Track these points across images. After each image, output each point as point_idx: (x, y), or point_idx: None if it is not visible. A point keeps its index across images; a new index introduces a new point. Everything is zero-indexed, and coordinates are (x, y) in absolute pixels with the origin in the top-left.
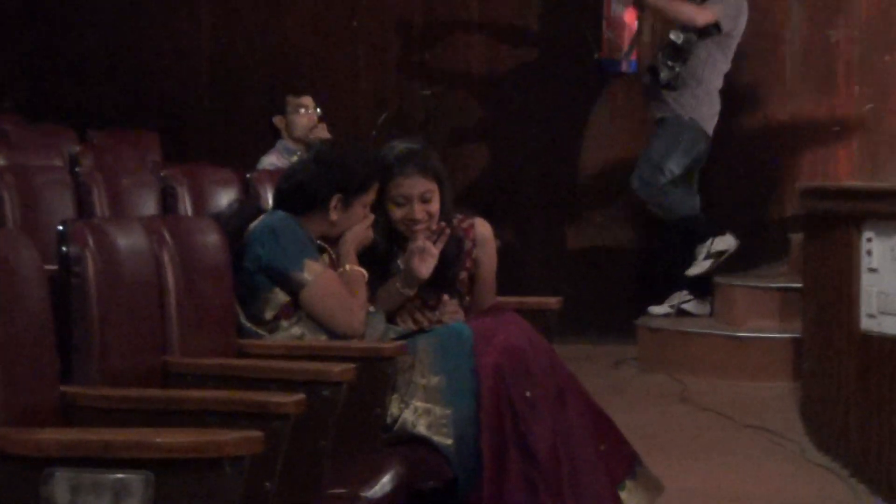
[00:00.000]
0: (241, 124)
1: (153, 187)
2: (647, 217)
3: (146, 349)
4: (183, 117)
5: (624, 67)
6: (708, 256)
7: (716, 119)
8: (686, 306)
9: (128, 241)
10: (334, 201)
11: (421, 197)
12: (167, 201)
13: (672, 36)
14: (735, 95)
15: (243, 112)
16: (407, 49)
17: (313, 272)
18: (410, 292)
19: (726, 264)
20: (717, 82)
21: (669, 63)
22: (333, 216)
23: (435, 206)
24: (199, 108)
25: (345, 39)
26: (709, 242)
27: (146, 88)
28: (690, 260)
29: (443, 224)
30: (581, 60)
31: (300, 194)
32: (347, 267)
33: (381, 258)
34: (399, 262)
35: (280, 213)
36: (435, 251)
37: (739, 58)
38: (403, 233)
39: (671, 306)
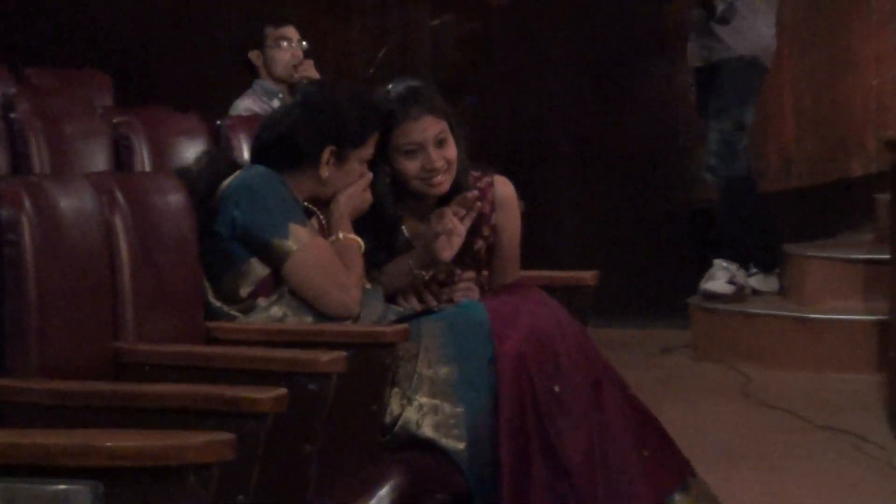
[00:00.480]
0: (210, 61)
1: (104, 137)
2: (705, 180)
3: (94, 334)
4: (139, 53)
5: None
6: (734, 284)
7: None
8: (751, 281)
9: (73, 202)
10: (326, 155)
11: (436, 140)
12: (121, 154)
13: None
14: (808, 29)
15: (212, 46)
16: None
17: (299, 240)
18: (426, 274)
19: (799, 230)
20: (774, 11)
21: None
22: (325, 173)
23: (452, 151)
24: (158, 42)
25: None
26: (750, 272)
27: (94, 19)
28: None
29: (474, 194)
30: None
31: (284, 146)
32: (340, 235)
33: (382, 225)
34: (404, 229)
35: (260, 169)
36: (463, 230)
37: None
38: (419, 189)
39: (731, 282)
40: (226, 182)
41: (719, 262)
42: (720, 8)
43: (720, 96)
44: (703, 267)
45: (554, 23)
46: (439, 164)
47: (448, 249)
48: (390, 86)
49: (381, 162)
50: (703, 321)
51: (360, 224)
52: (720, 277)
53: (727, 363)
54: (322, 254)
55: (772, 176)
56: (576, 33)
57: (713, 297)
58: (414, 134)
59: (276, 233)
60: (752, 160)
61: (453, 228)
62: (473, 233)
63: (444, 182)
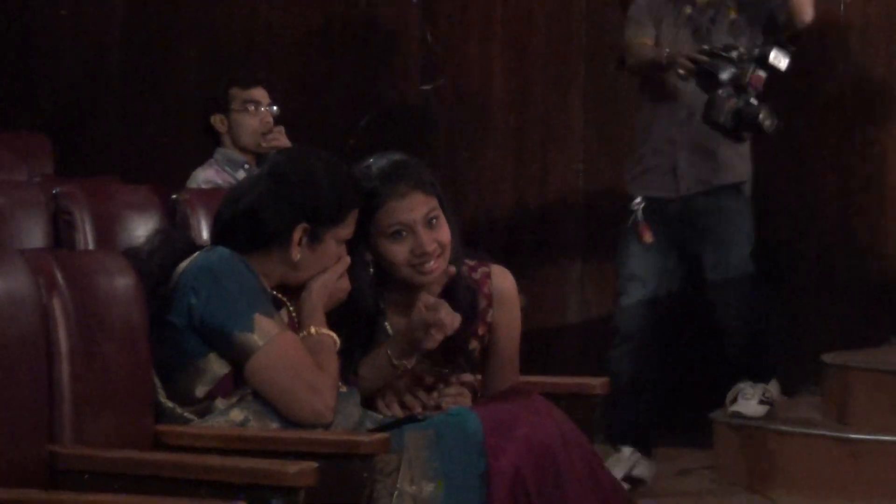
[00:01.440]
0: (165, 125)
1: (41, 210)
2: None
3: (26, 435)
4: (84, 116)
5: None
6: (764, 402)
7: None
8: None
9: (5, 283)
10: (298, 234)
11: (426, 220)
12: (60, 230)
13: (773, 57)
14: (856, 105)
15: (169, 109)
16: (401, 24)
17: (266, 334)
18: (407, 365)
19: (840, 337)
20: None
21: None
22: (296, 255)
23: (445, 232)
24: (105, 102)
25: (314, 10)
26: (768, 385)
27: (32, 74)
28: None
29: (451, 268)
30: None
31: (249, 224)
32: (313, 329)
33: (361, 318)
34: (387, 325)
35: (222, 251)
36: (457, 326)
37: None
38: (408, 278)
39: (764, 400)
40: (182, 265)
41: (750, 387)
42: (769, 123)
43: (720, 225)
44: (730, 377)
45: (563, 79)
46: (431, 247)
47: (433, 340)
48: (371, 160)
49: (362, 247)
50: (728, 440)
51: (336, 317)
52: (751, 397)
53: (755, 489)
54: (291, 351)
55: (809, 272)
56: (588, 98)
57: (745, 419)
58: (401, 214)
59: (239, 325)
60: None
61: (447, 324)
62: (467, 330)
63: (437, 269)
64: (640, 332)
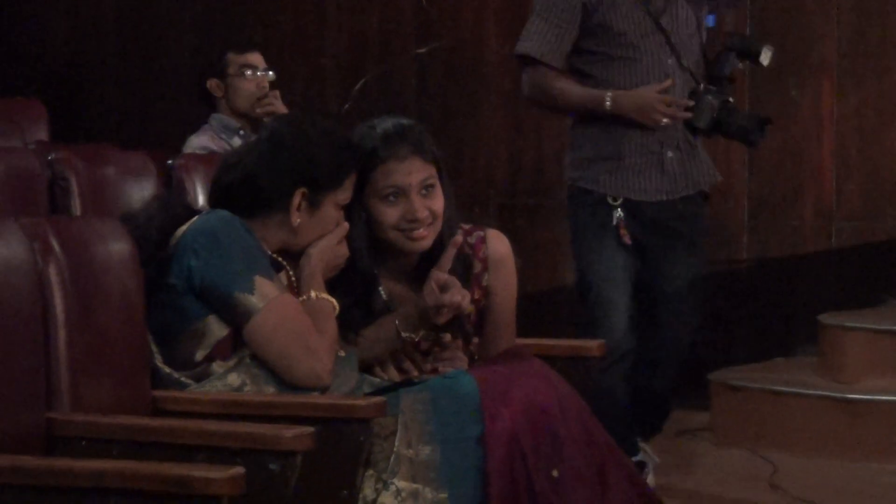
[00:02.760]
0: (160, 91)
1: (37, 175)
2: (731, 230)
3: (23, 402)
4: (79, 81)
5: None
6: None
7: None
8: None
9: (0, 250)
10: (297, 199)
11: (421, 186)
12: (56, 196)
13: (764, 55)
14: (853, 66)
15: (163, 74)
16: None
17: (265, 296)
18: (414, 338)
19: (838, 298)
20: None
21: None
22: (295, 219)
23: (439, 202)
24: (100, 67)
25: None
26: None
27: (26, 40)
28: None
29: (457, 238)
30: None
31: (248, 189)
32: (313, 294)
33: (358, 282)
34: (381, 290)
35: (222, 213)
36: (469, 306)
37: None
38: (395, 242)
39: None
40: (181, 229)
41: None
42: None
43: (682, 262)
44: (726, 337)
45: None
46: (422, 214)
47: (444, 316)
48: (376, 120)
49: (359, 208)
50: (726, 400)
51: (333, 281)
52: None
53: (752, 449)
54: (291, 314)
55: (807, 234)
56: None
57: None
58: (397, 176)
59: (238, 286)
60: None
61: (459, 304)
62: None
63: (426, 236)
64: (632, 346)
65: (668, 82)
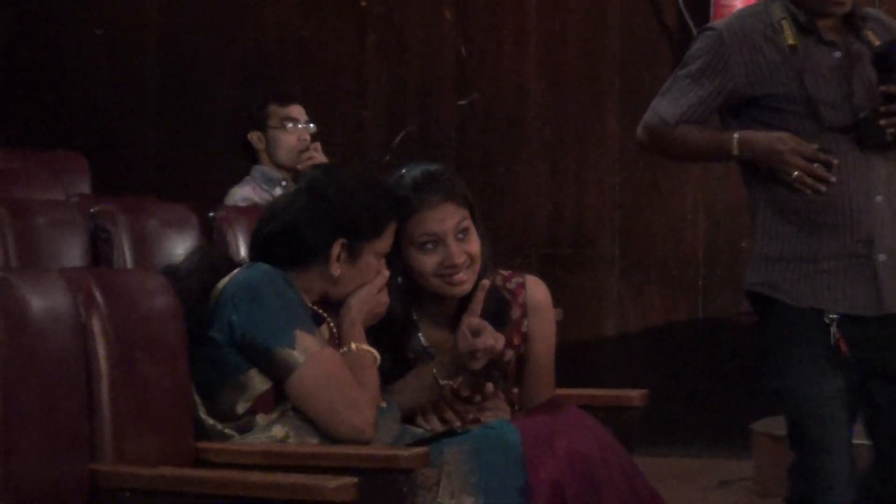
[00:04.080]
0: (202, 143)
1: (79, 229)
2: None
3: (67, 454)
4: (121, 133)
5: None
6: None
7: None
8: None
9: (44, 302)
10: (336, 249)
11: (456, 231)
12: (98, 249)
13: None
14: None
15: (205, 126)
16: (435, 39)
17: (306, 350)
18: (453, 385)
19: None
20: None
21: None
22: (335, 269)
23: (475, 244)
24: (142, 119)
25: (348, 25)
26: None
27: (68, 92)
28: None
29: (485, 282)
30: (679, 58)
31: (288, 240)
32: (353, 345)
33: (396, 331)
34: (421, 336)
35: (262, 267)
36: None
37: None
38: (436, 289)
39: None
40: (222, 282)
41: None
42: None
43: None
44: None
45: (601, 92)
46: (460, 259)
47: (480, 362)
48: (404, 169)
49: (395, 256)
50: (768, 450)
51: (373, 329)
52: None
53: None
54: (332, 368)
55: None
56: (624, 111)
57: None
58: (431, 224)
59: (279, 341)
60: None
61: (493, 347)
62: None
63: (465, 280)
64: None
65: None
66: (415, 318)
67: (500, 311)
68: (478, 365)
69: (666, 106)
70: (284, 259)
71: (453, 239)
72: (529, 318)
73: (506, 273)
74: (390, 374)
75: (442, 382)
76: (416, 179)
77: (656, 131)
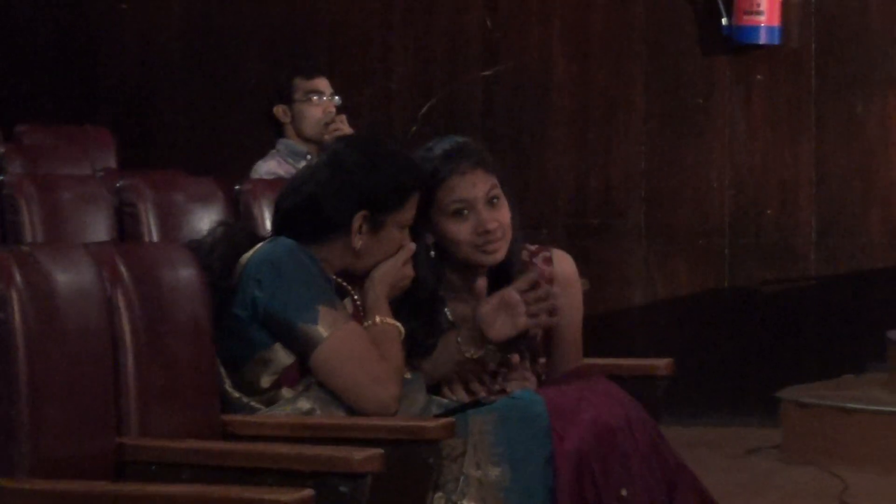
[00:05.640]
0: (227, 117)
1: (105, 203)
2: (799, 248)
3: (94, 428)
4: (147, 108)
5: (764, 38)
6: None
7: None
8: None
9: (69, 276)
10: (358, 221)
11: (487, 198)
12: (124, 223)
13: None
14: None
15: (231, 100)
16: (461, 11)
17: (330, 325)
18: (477, 353)
19: None
20: None
21: None
22: (357, 242)
23: (506, 213)
24: (167, 94)
25: None
26: None
27: (94, 68)
28: None
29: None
30: (705, 28)
31: (311, 213)
32: (377, 319)
33: (423, 304)
34: (447, 311)
35: (286, 241)
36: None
37: None
38: (471, 258)
39: None
40: (245, 257)
41: None
42: None
43: None
44: (795, 354)
45: (624, 68)
46: (493, 225)
47: (513, 322)
48: (433, 142)
49: (423, 231)
50: (795, 418)
51: (398, 304)
52: None
53: (822, 466)
54: (356, 342)
55: (876, 250)
56: (649, 80)
57: None
58: (462, 190)
59: (303, 316)
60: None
61: (512, 300)
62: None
63: (500, 249)
64: None
65: None
66: (441, 293)
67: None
68: (507, 328)
69: None
70: (306, 232)
71: (484, 205)
72: (557, 292)
73: (533, 248)
74: (424, 346)
75: (466, 353)
76: (445, 149)
77: None
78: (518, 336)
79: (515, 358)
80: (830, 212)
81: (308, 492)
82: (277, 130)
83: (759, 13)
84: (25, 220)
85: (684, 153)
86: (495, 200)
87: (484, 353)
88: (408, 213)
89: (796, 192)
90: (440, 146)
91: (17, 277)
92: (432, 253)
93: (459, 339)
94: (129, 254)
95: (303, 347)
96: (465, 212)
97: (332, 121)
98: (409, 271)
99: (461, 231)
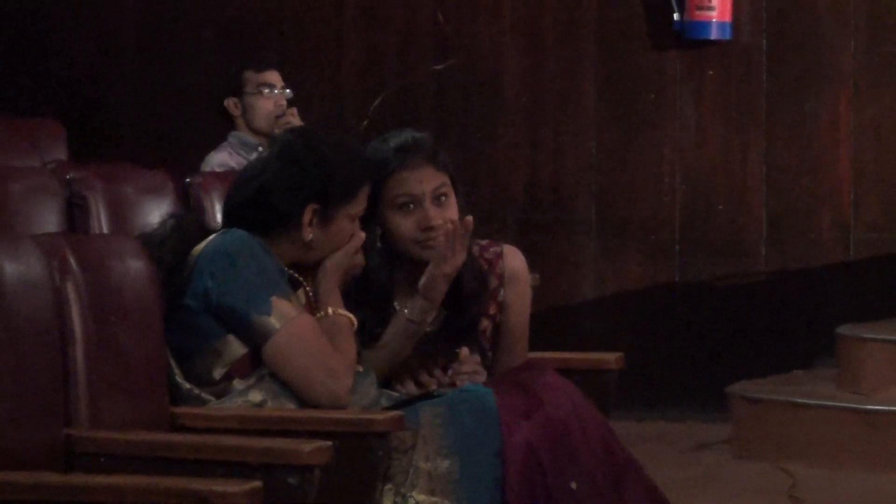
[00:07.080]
0: (178, 109)
1: (55, 195)
2: (749, 243)
3: (42, 419)
4: (97, 100)
5: (715, 33)
6: None
7: None
8: None
9: (18, 267)
10: (308, 215)
11: (434, 195)
12: (74, 215)
13: None
14: (871, 75)
15: (182, 93)
16: (412, 5)
17: (283, 316)
18: (427, 322)
19: (856, 310)
20: None
21: None
22: (308, 235)
23: (453, 211)
24: (118, 86)
25: None
26: None
27: (45, 59)
28: None
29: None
30: (656, 23)
31: (261, 206)
32: (329, 310)
33: (372, 294)
34: (395, 303)
35: (239, 233)
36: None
37: None
38: (412, 253)
39: None
40: (197, 248)
41: None
42: None
43: None
44: (745, 349)
45: (576, 62)
46: (437, 221)
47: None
48: (388, 135)
49: (372, 221)
50: (745, 413)
51: (348, 292)
52: None
53: (771, 461)
54: (309, 334)
55: (826, 246)
56: (601, 75)
57: None
58: (410, 185)
59: (255, 308)
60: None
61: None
62: (478, 309)
63: (459, 251)
64: None
65: None
66: (392, 282)
67: (481, 282)
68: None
69: None
70: (257, 224)
71: (430, 202)
72: (506, 288)
73: (483, 242)
74: (374, 335)
75: (410, 320)
76: (399, 143)
77: None
78: (468, 331)
79: (464, 351)
80: (781, 207)
81: (256, 484)
82: (228, 123)
83: (710, 8)
84: None
85: (635, 148)
86: (443, 199)
87: (434, 345)
88: (358, 205)
89: (747, 187)
90: (395, 139)
91: None
92: (379, 244)
93: (407, 312)
94: (79, 245)
95: (255, 339)
96: (411, 206)
97: (283, 114)
98: (360, 260)
99: (405, 225)
